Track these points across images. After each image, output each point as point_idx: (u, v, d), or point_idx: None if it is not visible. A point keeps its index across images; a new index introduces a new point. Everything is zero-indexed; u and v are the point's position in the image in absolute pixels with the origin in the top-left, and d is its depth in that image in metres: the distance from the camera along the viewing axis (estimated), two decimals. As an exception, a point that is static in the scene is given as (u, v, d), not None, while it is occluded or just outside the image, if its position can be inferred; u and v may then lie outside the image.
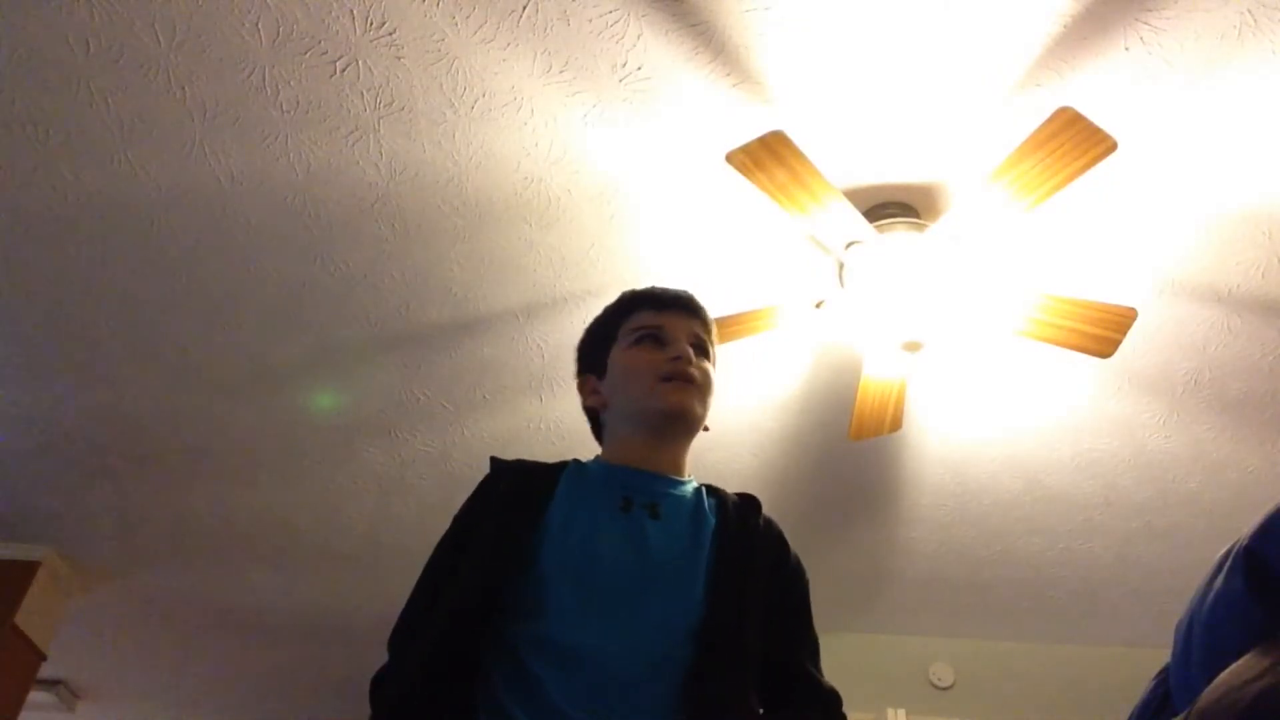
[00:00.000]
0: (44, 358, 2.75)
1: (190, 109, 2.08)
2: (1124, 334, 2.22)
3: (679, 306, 1.37)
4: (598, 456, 1.35)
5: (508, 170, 2.21)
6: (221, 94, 2.05)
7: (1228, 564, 0.90)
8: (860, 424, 2.55)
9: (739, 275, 2.46)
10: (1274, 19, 1.83)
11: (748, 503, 1.31)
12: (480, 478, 1.31)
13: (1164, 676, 1.01)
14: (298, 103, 2.07)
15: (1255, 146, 2.08)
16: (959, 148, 2.15)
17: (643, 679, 1.09)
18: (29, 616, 3.56)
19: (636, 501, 1.22)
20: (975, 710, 3.76)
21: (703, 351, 1.35)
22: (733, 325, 2.29)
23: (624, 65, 1.98)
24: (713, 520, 1.24)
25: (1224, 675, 0.78)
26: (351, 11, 1.90)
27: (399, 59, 1.98)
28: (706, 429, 1.33)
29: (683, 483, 1.29)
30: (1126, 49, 1.90)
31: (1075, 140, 1.82)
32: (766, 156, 1.90)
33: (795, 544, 1.32)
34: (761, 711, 1.17)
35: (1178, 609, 0.97)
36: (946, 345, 2.64)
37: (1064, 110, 1.79)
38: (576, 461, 1.31)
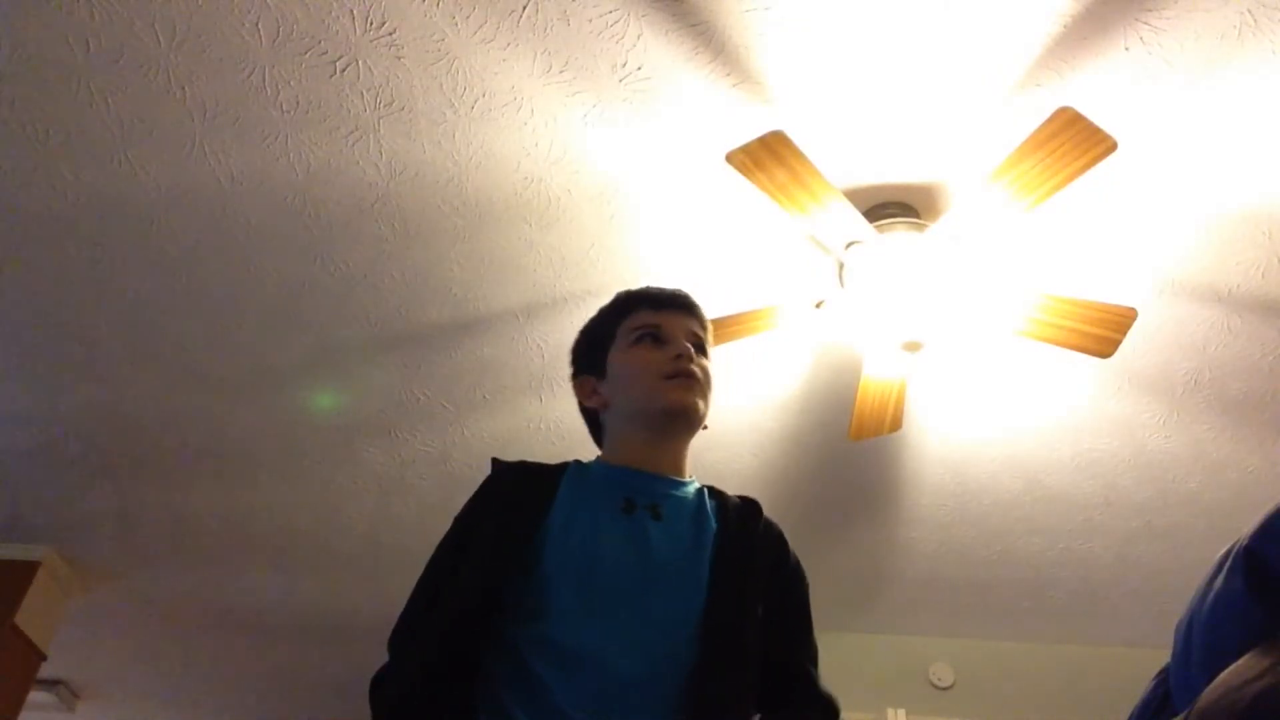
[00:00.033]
0: (44, 358, 2.75)
1: (190, 109, 2.08)
2: (1124, 334, 2.22)
3: (676, 305, 1.38)
4: (599, 457, 1.35)
5: (508, 170, 2.21)
6: (221, 94, 2.05)
7: (1228, 564, 0.90)
8: (860, 424, 2.56)
9: (739, 275, 2.46)
10: (1274, 19, 1.83)
11: (749, 505, 1.31)
12: (480, 478, 1.31)
13: (1164, 676, 1.01)
14: (298, 103, 2.07)
15: (1255, 146, 2.08)
16: (959, 148, 2.15)
17: (644, 680, 1.09)
18: (29, 616, 3.56)
19: (638, 503, 1.22)
20: (975, 710, 3.76)
21: (701, 349, 1.35)
22: (733, 325, 2.29)
23: (624, 65, 1.98)
24: (714, 522, 1.25)
25: (1224, 675, 0.78)
26: (351, 11, 1.90)
27: (399, 59, 1.98)
28: (705, 427, 1.33)
29: (684, 484, 1.29)
30: (1126, 49, 1.90)
31: (1075, 140, 1.82)
32: (766, 156, 1.90)
33: (795, 544, 1.32)
34: (760, 713, 1.17)
35: (1178, 609, 0.97)
36: (946, 345, 2.64)
37: (1064, 110, 1.79)
38: (578, 462, 1.31)
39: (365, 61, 1.99)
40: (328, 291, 2.54)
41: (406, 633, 1.19)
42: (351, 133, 2.13)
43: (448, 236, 2.39)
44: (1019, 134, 1.89)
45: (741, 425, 2.98)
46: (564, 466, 1.29)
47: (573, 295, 2.54)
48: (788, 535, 1.32)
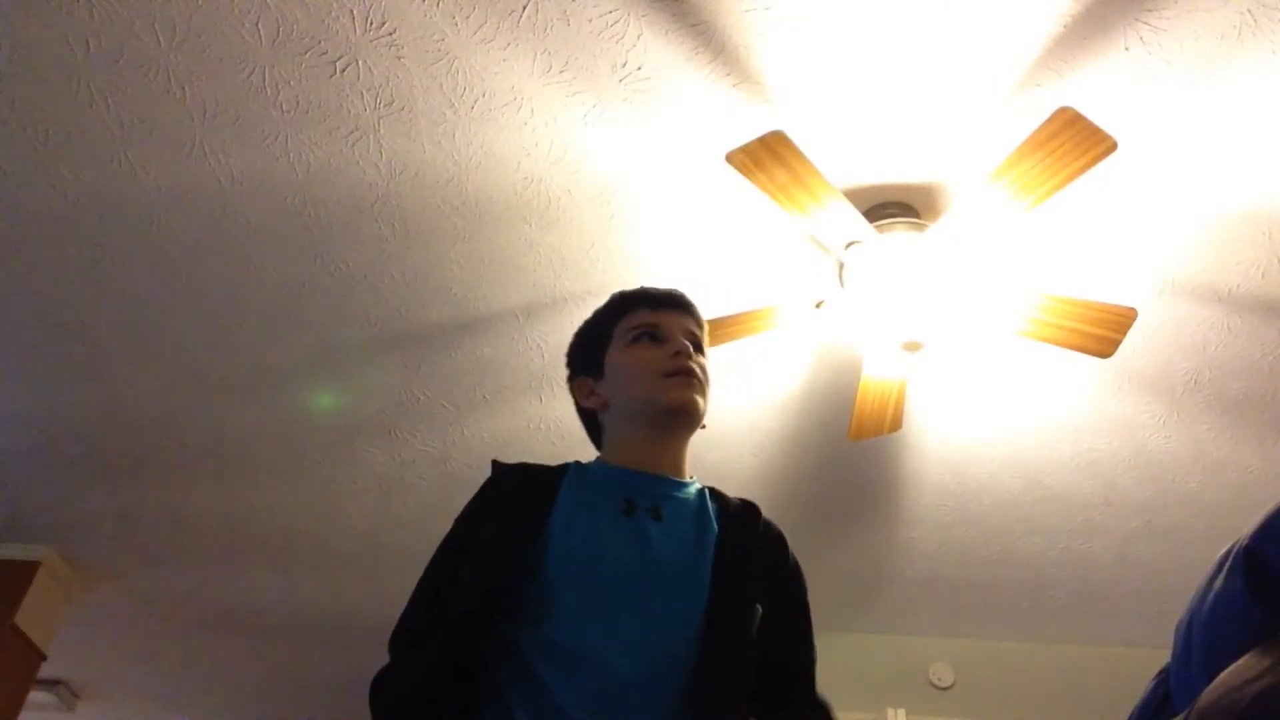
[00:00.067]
0: (44, 358, 2.75)
1: (190, 109, 2.08)
2: (1124, 334, 2.22)
3: (673, 304, 1.38)
4: (598, 458, 1.35)
5: (508, 170, 2.21)
6: (221, 94, 2.05)
7: (1228, 564, 0.90)
8: (860, 424, 2.56)
9: (739, 275, 2.46)
10: (1274, 19, 1.83)
11: (748, 507, 1.31)
12: (480, 478, 1.31)
13: (1164, 676, 1.01)
14: (298, 103, 2.07)
15: (1255, 146, 2.08)
16: (959, 148, 2.15)
17: (645, 680, 1.09)
18: (29, 616, 3.56)
19: (639, 504, 1.22)
20: (975, 710, 3.76)
21: (698, 348, 1.35)
22: (733, 325, 2.29)
23: (624, 65, 1.98)
24: (715, 523, 1.25)
25: (1224, 675, 0.78)
26: (351, 11, 1.90)
27: (399, 59, 1.98)
28: (704, 427, 1.34)
29: (685, 484, 1.29)
30: (1126, 49, 1.90)
31: (1075, 140, 1.82)
32: (766, 156, 1.90)
33: (795, 544, 1.32)
34: (758, 714, 1.17)
35: (1178, 609, 0.97)
36: (946, 345, 2.64)
37: (1064, 110, 1.79)
38: (578, 463, 1.31)
39: (365, 61, 1.99)
40: (328, 291, 2.54)
41: (407, 634, 1.19)
42: (351, 133, 2.13)
43: (448, 236, 2.39)
44: (1019, 134, 1.89)
45: (741, 425, 2.98)
46: (564, 468, 1.29)
47: (573, 295, 2.54)
48: (788, 535, 1.32)
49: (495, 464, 1.32)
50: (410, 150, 2.17)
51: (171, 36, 1.94)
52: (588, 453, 1.38)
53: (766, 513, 1.32)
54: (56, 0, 1.87)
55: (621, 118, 2.08)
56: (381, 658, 1.19)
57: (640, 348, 1.33)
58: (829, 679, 1.25)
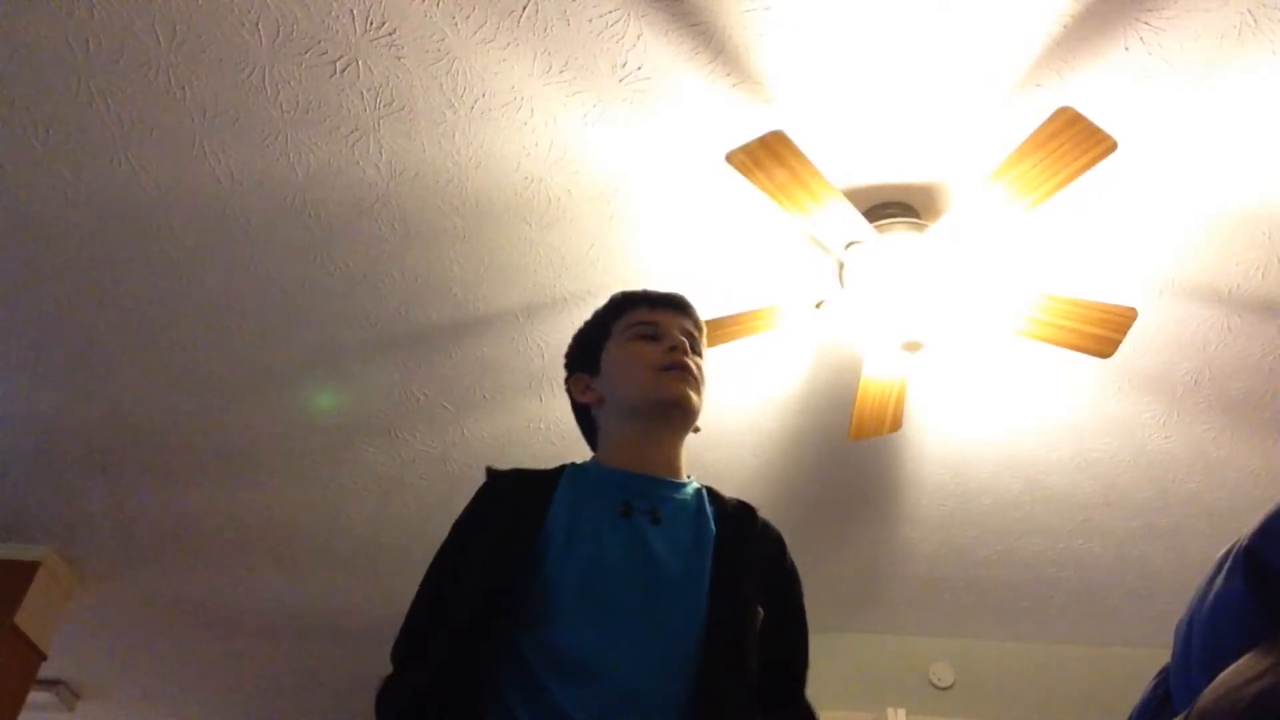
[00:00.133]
0: (44, 358, 2.75)
1: (190, 109, 2.08)
2: (1124, 334, 2.22)
3: (671, 305, 1.39)
4: (594, 458, 1.35)
5: (508, 170, 2.21)
6: (221, 94, 2.05)
7: (1227, 564, 0.89)
8: (860, 424, 2.55)
9: (739, 275, 2.46)
10: (1274, 19, 1.83)
11: (744, 508, 1.31)
12: (481, 478, 1.31)
13: (1164, 676, 1.01)
14: (298, 103, 2.07)
15: (1255, 146, 2.08)
16: (959, 148, 2.15)
17: (646, 684, 1.09)
18: (29, 616, 3.56)
19: (637, 507, 1.22)
20: (975, 710, 3.76)
21: (695, 348, 1.36)
22: (733, 325, 2.29)
23: (624, 65, 1.98)
24: (713, 524, 1.25)
25: (1224, 675, 0.77)
26: (351, 11, 1.90)
27: (399, 59, 1.98)
28: (698, 430, 1.34)
29: (682, 485, 1.29)
30: (1126, 49, 1.90)
31: (1075, 140, 1.82)
32: (766, 156, 1.90)
33: (795, 543, 1.32)
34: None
35: (1178, 609, 0.97)
36: (946, 345, 2.64)
37: (1064, 110, 1.79)
38: (574, 465, 1.31)
39: (365, 61, 1.99)
40: (328, 291, 2.54)
41: (409, 642, 1.18)
42: (351, 133, 2.13)
43: (448, 236, 2.39)
44: (1019, 134, 1.89)
45: (741, 425, 2.98)
46: (560, 470, 1.29)
47: (573, 295, 2.54)
48: (787, 535, 1.32)
49: (490, 471, 1.32)
50: (410, 150, 2.17)
51: (171, 36, 1.94)
52: (587, 454, 1.38)
53: (766, 513, 1.32)
54: (56, 0, 1.87)
55: (621, 118, 2.08)
56: (382, 657, 1.19)
57: (637, 344, 1.33)
58: (829, 679, 1.25)
